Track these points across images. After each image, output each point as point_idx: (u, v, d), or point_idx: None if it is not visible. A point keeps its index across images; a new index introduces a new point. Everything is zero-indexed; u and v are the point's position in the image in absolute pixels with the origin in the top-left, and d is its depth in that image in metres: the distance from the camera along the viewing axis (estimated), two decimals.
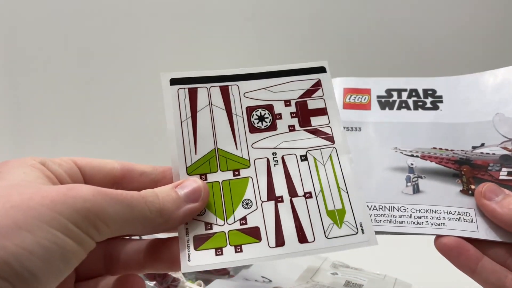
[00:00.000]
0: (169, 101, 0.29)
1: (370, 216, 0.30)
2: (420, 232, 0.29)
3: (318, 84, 0.31)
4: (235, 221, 0.27)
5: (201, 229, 0.26)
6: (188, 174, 0.28)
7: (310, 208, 0.28)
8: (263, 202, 0.28)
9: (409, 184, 0.32)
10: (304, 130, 0.30)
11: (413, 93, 0.36)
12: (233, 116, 0.30)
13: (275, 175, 0.28)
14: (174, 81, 0.29)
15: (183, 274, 0.42)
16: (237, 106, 0.30)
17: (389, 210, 0.31)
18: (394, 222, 0.30)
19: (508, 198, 0.28)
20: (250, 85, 0.30)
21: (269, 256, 0.26)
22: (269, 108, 0.30)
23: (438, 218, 0.30)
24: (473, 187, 0.31)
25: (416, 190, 0.32)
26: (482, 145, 0.33)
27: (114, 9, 0.71)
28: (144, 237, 0.30)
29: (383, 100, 0.36)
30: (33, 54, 0.71)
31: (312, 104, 0.31)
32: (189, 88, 0.29)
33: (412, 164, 0.33)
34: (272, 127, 0.30)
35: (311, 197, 0.28)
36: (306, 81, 0.31)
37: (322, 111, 0.31)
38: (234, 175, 0.28)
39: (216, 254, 0.26)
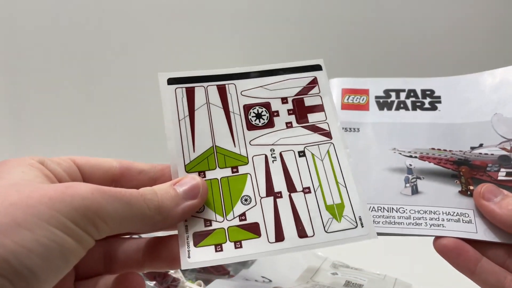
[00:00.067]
0: (166, 100, 0.29)
1: None
2: (419, 233, 0.29)
3: (314, 82, 0.31)
4: (234, 217, 0.27)
5: (201, 225, 0.27)
6: (187, 172, 0.28)
7: (309, 203, 0.28)
8: (262, 198, 0.28)
9: (407, 185, 0.32)
10: (302, 126, 0.30)
11: (412, 94, 0.36)
12: (231, 114, 0.30)
13: (274, 171, 0.29)
14: (171, 81, 0.30)
15: (183, 273, 0.42)
16: (234, 104, 0.30)
17: (388, 211, 0.31)
18: (393, 223, 0.30)
19: (507, 199, 0.28)
20: (247, 83, 0.31)
21: (269, 251, 0.26)
22: (266, 105, 0.30)
23: (437, 219, 0.30)
24: (471, 187, 0.31)
25: (415, 191, 0.32)
26: (481, 145, 0.33)
27: (114, 9, 0.72)
28: (143, 235, 0.30)
29: (381, 100, 0.36)
30: (32, 54, 0.72)
31: (309, 101, 0.31)
32: (186, 88, 0.30)
33: (410, 165, 0.33)
34: (270, 124, 0.30)
35: (309, 192, 0.28)
36: (302, 79, 0.31)
37: (319, 108, 0.31)
38: (233, 172, 0.28)
39: (216, 251, 0.26)
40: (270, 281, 0.44)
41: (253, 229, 0.27)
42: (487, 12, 0.77)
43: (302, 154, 0.29)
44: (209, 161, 0.29)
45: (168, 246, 0.27)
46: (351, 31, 0.76)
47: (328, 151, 0.30)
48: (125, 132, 0.76)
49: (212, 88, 0.30)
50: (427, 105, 0.35)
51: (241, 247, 0.26)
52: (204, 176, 0.28)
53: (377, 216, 0.30)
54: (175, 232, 0.27)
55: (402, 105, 0.36)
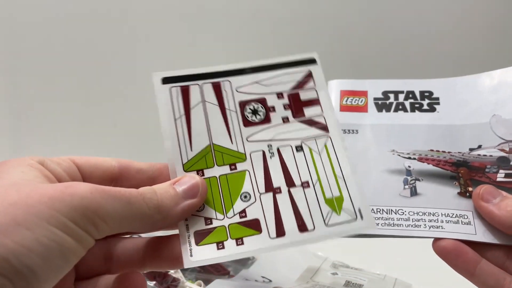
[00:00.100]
0: (162, 100, 0.29)
1: None
2: (418, 235, 0.30)
3: (309, 76, 0.31)
4: (234, 215, 0.27)
5: (201, 224, 0.27)
6: (185, 171, 0.28)
7: (308, 197, 0.28)
8: (261, 194, 0.28)
9: (406, 186, 0.32)
10: (298, 121, 0.30)
11: (410, 95, 0.36)
12: (227, 111, 0.30)
13: (272, 166, 0.29)
14: (166, 80, 0.30)
15: (183, 273, 0.42)
16: (230, 101, 0.30)
17: (387, 213, 0.31)
18: (392, 225, 0.30)
19: (506, 200, 0.28)
20: (242, 80, 0.31)
21: (271, 247, 0.26)
22: (262, 101, 0.30)
23: (436, 220, 0.30)
24: (470, 189, 0.31)
25: (414, 192, 0.32)
26: (479, 147, 0.33)
27: (113, 10, 0.72)
28: (143, 235, 0.31)
29: (380, 102, 0.36)
30: (32, 54, 0.72)
31: (305, 95, 0.31)
32: (181, 86, 0.30)
33: (409, 166, 0.33)
34: (266, 120, 0.30)
35: (308, 186, 0.28)
36: (297, 73, 0.31)
37: (315, 102, 0.31)
38: (231, 169, 0.29)
39: (218, 248, 0.26)
40: (270, 281, 0.44)
41: (254, 226, 0.27)
42: (485, 14, 0.77)
43: (299, 148, 0.29)
44: (207, 159, 0.29)
45: (169, 246, 0.27)
46: (350, 33, 0.76)
47: (325, 145, 0.30)
48: (124, 132, 0.77)
49: (207, 86, 0.30)
50: (425, 107, 0.35)
51: (242, 244, 0.26)
52: (203, 175, 0.28)
53: (376, 218, 0.30)
54: (175, 231, 0.27)
55: (400, 107, 0.36)
